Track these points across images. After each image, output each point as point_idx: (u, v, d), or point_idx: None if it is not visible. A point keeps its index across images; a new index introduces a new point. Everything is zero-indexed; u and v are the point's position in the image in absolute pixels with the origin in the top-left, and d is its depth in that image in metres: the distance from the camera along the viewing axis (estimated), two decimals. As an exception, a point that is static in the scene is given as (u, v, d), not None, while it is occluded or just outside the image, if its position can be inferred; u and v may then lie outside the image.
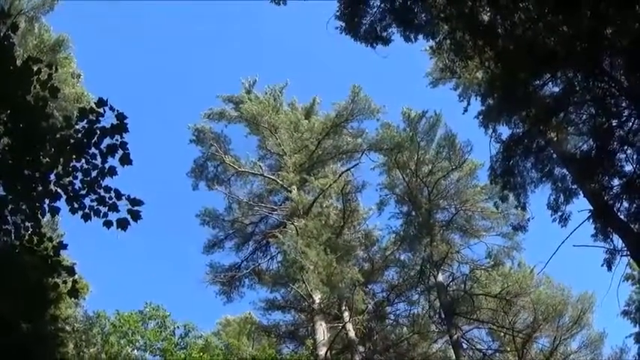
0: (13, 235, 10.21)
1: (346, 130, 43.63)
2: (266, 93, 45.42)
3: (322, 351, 32.52)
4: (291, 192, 39.49)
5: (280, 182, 40.82)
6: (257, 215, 43.41)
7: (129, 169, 10.46)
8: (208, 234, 43.36)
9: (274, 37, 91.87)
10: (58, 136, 10.01)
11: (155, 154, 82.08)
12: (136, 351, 42.11)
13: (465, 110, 31.17)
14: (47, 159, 10.02)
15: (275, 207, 42.89)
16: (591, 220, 22.18)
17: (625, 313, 40.35)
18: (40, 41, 34.10)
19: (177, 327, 43.98)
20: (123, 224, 10.22)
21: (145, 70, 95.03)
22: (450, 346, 37.68)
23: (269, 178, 42.63)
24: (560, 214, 23.37)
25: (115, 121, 10.10)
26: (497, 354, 41.08)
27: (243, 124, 44.28)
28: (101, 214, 10.30)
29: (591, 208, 22.10)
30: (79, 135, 10.10)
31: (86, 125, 10.10)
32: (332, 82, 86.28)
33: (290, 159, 41.05)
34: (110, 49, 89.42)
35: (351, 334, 35.20)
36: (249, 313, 47.48)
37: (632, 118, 20.20)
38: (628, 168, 21.12)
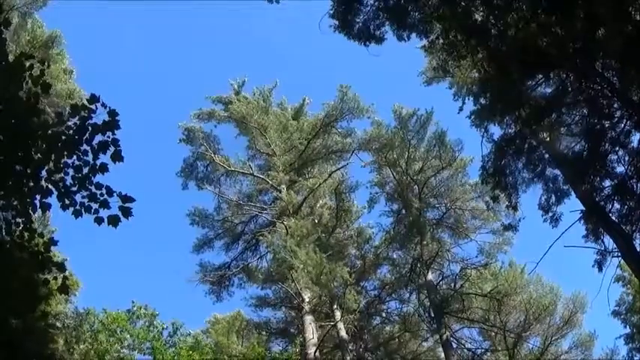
0: (3, 230, 10.16)
1: (335, 130, 43.61)
2: (255, 94, 45.47)
3: (311, 350, 32.50)
4: (280, 191, 39.47)
5: (270, 182, 40.79)
6: (247, 215, 43.43)
7: (120, 168, 10.42)
8: (198, 233, 43.41)
9: (264, 37, 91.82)
10: (49, 132, 9.96)
11: (145, 153, 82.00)
12: (125, 350, 42.07)
13: (460, 109, 31.11)
14: (38, 155, 9.97)
15: (265, 206, 42.92)
16: (582, 221, 22.23)
17: (615, 313, 40.47)
18: (33, 37, 34.00)
19: (165, 327, 43.98)
20: (114, 221, 10.15)
21: (136, 70, 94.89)
22: (440, 345, 37.70)
23: (258, 177, 42.65)
24: (551, 214, 23.43)
25: (106, 118, 10.05)
26: (487, 353, 41.15)
27: (233, 124, 44.28)
28: (92, 210, 10.23)
29: (583, 208, 22.14)
30: (71, 131, 10.04)
31: (78, 122, 10.04)
32: (324, 83, 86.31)
33: (279, 159, 41.05)
34: (102, 47, 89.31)
35: (342, 332, 35.21)
36: (239, 311, 47.55)
37: (624, 120, 20.24)
38: (619, 169, 21.22)
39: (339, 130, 43.73)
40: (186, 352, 41.56)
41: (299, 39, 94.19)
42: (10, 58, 10.15)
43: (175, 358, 41.20)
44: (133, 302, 43.23)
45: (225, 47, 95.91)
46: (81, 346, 37.91)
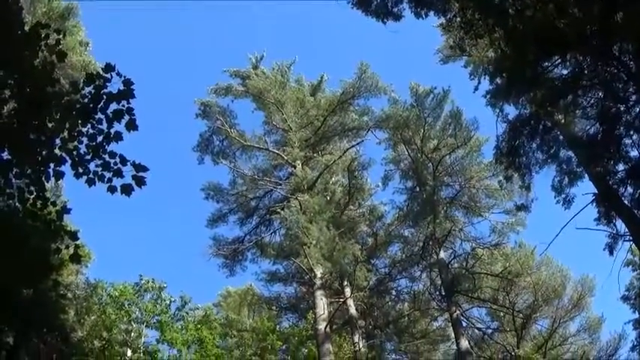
0: (16, 198, 10.21)
1: (352, 108, 43.49)
2: (273, 69, 45.24)
3: (322, 325, 32.62)
4: (295, 167, 39.44)
5: (285, 157, 40.70)
6: (261, 190, 43.44)
7: (135, 142, 10.49)
8: (212, 208, 43.51)
9: (284, 12, 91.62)
10: (64, 100, 10.00)
11: (162, 127, 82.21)
12: (133, 323, 42.42)
13: (476, 89, 31.06)
14: (53, 123, 10.01)
15: (279, 182, 42.87)
16: (595, 204, 22.23)
17: (625, 298, 40.44)
18: (49, 9, 33.90)
19: (174, 300, 44.28)
20: (127, 190, 10.17)
21: (154, 45, 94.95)
22: (450, 324, 37.82)
23: (274, 152, 42.56)
24: (564, 196, 23.46)
25: (121, 87, 10.08)
26: (496, 334, 41.25)
27: (250, 99, 44.14)
28: (105, 179, 10.25)
29: (595, 191, 22.13)
30: (86, 100, 10.07)
31: (93, 90, 10.06)
32: (342, 60, 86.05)
33: (295, 135, 40.94)
34: (119, 20, 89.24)
35: (352, 309, 35.40)
36: (251, 285, 47.79)
37: (640, 104, 20.19)
38: (633, 153, 21.19)
39: (356, 108, 43.63)
40: (194, 326, 41.89)
41: (317, 16, 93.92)
42: (26, 28, 10.19)
43: (183, 332, 41.57)
44: (140, 276, 43.59)
45: (244, 23, 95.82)
46: (92, 317, 38.20)
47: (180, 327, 42.41)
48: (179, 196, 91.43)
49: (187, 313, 44.46)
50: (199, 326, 42.40)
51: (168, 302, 43.71)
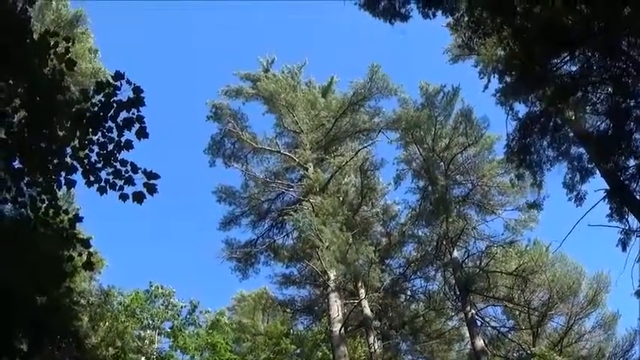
0: (29, 207, 10.27)
1: (363, 109, 43.48)
2: (283, 71, 45.32)
3: (337, 327, 32.65)
4: (307, 169, 39.46)
5: (297, 160, 40.73)
6: (273, 192, 43.47)
7: (147, 146, 10.55)
8: (225, 211, 43.57)
9: (294, 14, 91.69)
10: (74, 109, 10.05)
11: (172, 129, 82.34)
12: (148, 330, 42.70)
13: (486, 87, 30.98)
14: (64, 132, 10.07)
15: (291, 184, 42.87)
16: (607, 200, 22.17)
17: (639, 293, 40.33)
18: (58, 16, 33.97)
19: (184, 306, 44.49)
20: (139, 197, 10.24)
21: (164, 47, 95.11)
22: (465, 323, 37.77)
23: (286, 155, 42.55)
24: (575, 193, 23.42)
25: (131, 95, 10.13)
26: (511, 332, 41.17)
27: (261, 101, 44.19)
28: (117, 187, 10.34)
29: (607, 187, 22.08)
30: (96, 108, 10.14)
31: (103, 98, 10.13)
32: (349, 62, 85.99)
33: (307, 137, 40.97)
34: (128, 26, 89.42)
35: (367, 310, 35.37)
36: (265, 288, 47.86)
37: (650, 99, 20.16)
38: (644, 148, 21.10)
39: (367, 110, 43.61)
40: (206, 331, 42.15)
41: (325, 18, 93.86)
42: (35, 37, 10.24)
43: (195, 337, 41.84)
44: (150, 282, 43.92)
45: (253, 26, 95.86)
46: (106, 324, 38.36)
47: (191, 332, 42.69)
48: (191, 198, 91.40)
49: (197, 317, 44.78)
50: (211, 331, 42.60)
51: (179, 307, 44.02)
